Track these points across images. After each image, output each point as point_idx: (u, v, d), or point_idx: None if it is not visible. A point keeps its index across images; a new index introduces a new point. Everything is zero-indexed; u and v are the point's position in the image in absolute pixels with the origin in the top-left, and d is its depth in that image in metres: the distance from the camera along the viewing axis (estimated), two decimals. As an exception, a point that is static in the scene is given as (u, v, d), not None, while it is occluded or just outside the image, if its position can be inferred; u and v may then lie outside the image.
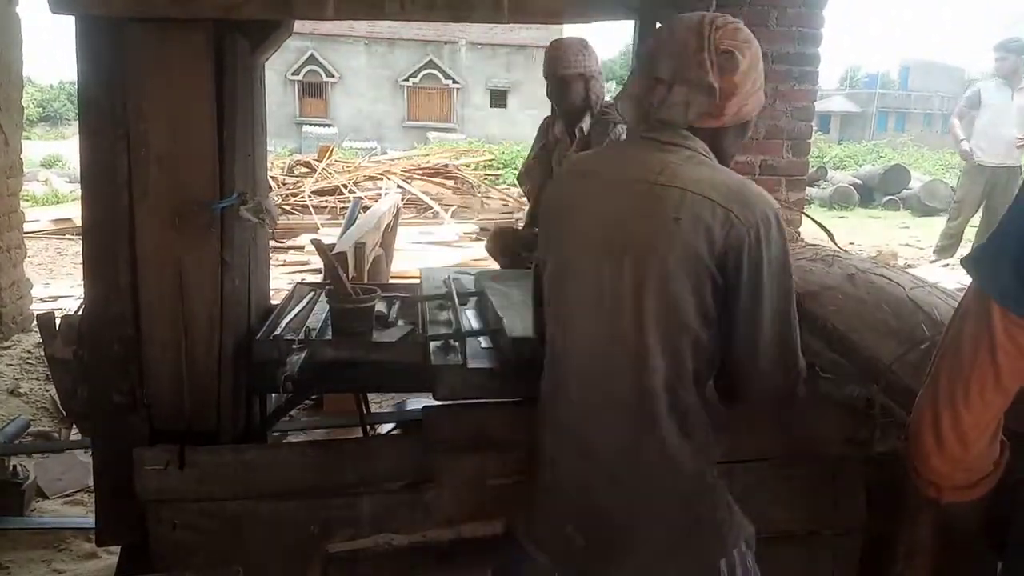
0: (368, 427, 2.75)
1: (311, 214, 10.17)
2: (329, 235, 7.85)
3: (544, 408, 1.43)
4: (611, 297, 1.27)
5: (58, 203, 11.44)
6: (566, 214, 1.38)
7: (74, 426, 3.68)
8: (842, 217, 12.84)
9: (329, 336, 2.15)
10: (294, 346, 2.00)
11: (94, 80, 1.94)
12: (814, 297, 1.66)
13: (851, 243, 8.64)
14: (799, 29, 3.87)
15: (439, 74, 25.47)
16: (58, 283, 6.83)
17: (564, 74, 2.91)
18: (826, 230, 2.13)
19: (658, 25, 1.37)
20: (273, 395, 2.43)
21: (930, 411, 0.86)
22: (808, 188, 14.47)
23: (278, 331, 2.16)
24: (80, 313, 2.15)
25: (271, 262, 8.12)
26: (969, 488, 0.91)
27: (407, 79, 25.39)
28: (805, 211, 2.80)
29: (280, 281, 7.00)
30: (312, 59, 24.66)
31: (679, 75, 1.27)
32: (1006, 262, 0.79)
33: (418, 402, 3.07)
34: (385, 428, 3.09)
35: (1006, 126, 6.74)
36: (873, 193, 14.45)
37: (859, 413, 1.48)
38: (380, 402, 3.94)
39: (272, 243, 8.15)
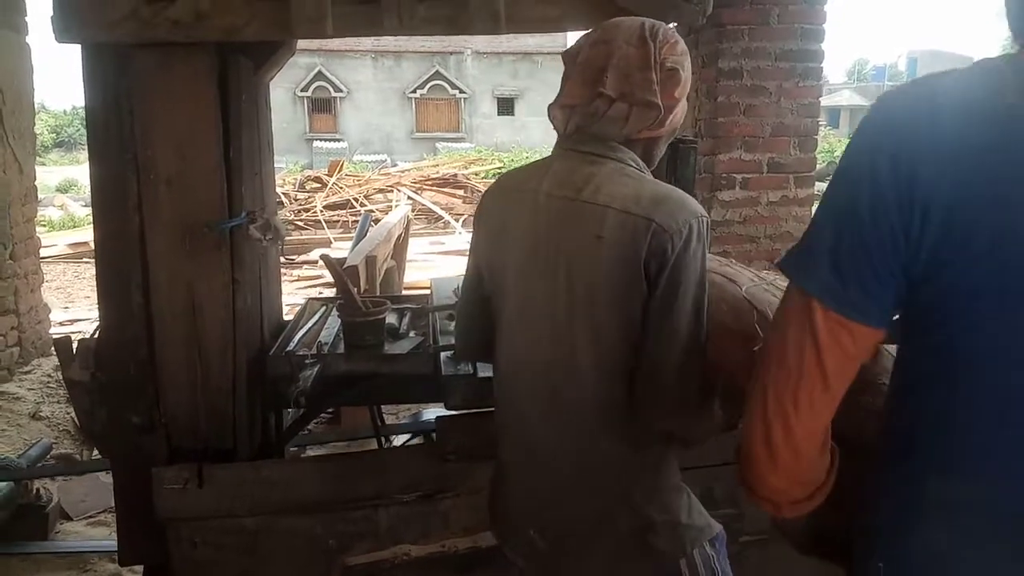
0: (384, 439, 2.76)
1: (323, 229, 10.24)
2: (341, 249, 7.91)
3: (497, 417, 1.45)
4: (546, 314, 1.28)
5: (74, 227, 11.58)
6: (499, 231, 1.37)
7: (95, 448, 3.72)
8: (855, 211, 12.75)
9: (341, 350, 2.16)
10: (306, 361, 2.02)
11: (101, 106, 1.98)
12: None
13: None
14: (801, 26, 3.87)
15: (446, 85, 25.59)
16: (76, 306, 6.92)
17: None
18: None
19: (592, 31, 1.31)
20: (289, 410, 2.45)
21: (760, 425, 0.81)
22: (819, 183, 14.42)
23: (291, 347, 2.18)
24: (96, 336, 2.18)
25: (285, 278, 8.19)
26: (806, 500, 0.87)
27: (414, 91, 25.52)
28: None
29: (294, 296, 7.06)
30: (320, 75, 24.85)
31: (625, 94, 1.25)
32: (823, 258, 0.76)
33: (433, 412, 3.08)
34: (401, 439, 3.10)
35: None
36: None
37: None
38: (396, 413, 3.96)
39: (285, 259, 8.22)
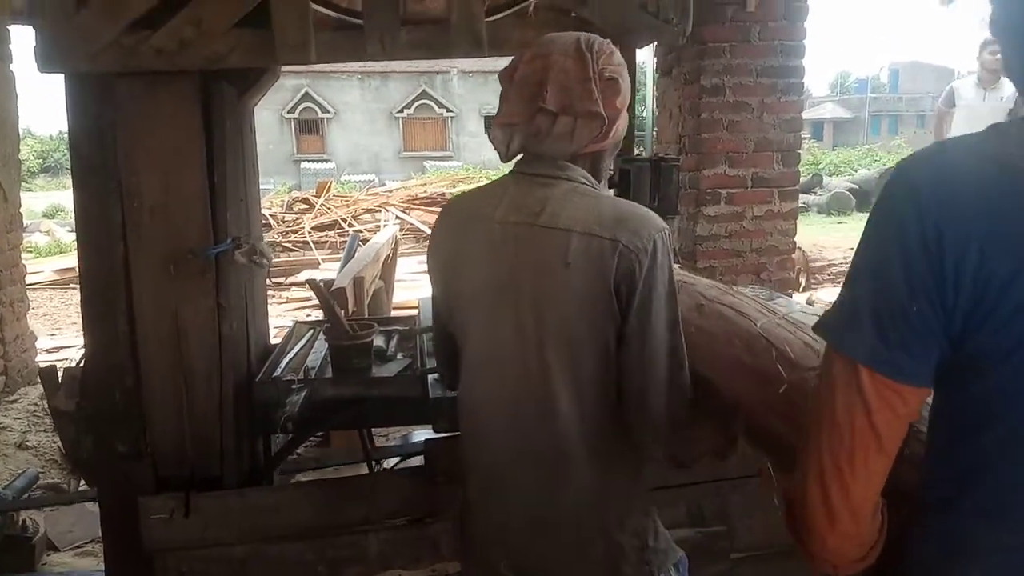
0: (374, 462, 2.74)
1: (311, 250, 10.22)
2: (329, 270, 7.89)
3: (464, 455, 1.42)
4: (514, 348, 1.25)
5: (61, 253, 11.51)
6: (455, 264, 1.33)
7: (82, 477, 3.68)
8: (841, 222, 12.88)
9: (329, 374, 2.16)
10: (293, 386, 2.01)
11: (85, 134, 1.98)
12: None
13: (851, 249, 8.62)
14: (781, 42, 3.91)
15: (433, 104, 25.69)
16: (63, 333, 6.86)
17: None
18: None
19: (533, 50, 1.28)
20: (278, 435, 2.43)
21: (818, 488, 0.83)
22: (805, 196, 14.51)
23: (278, 372, 2.17)
24: (82, 364, 2.17)
25: (273, 300, 8.12)
26: (863, 560, 0.89)
27: (401, 110, 25.60)
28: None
29: (283, 319, 7.03)
30: (307, 96, 24.90)
31: (567, 107, 1.22)
32: (865, 323, 0.78)
33: (424, 434, 3.07)
34: (391, 462, 3.08)
35: (980, 124, 6.73)
36: (870, 197, 14.48)
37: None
38: (387, 435, 3.93)
39: (272, 282, 8.19)
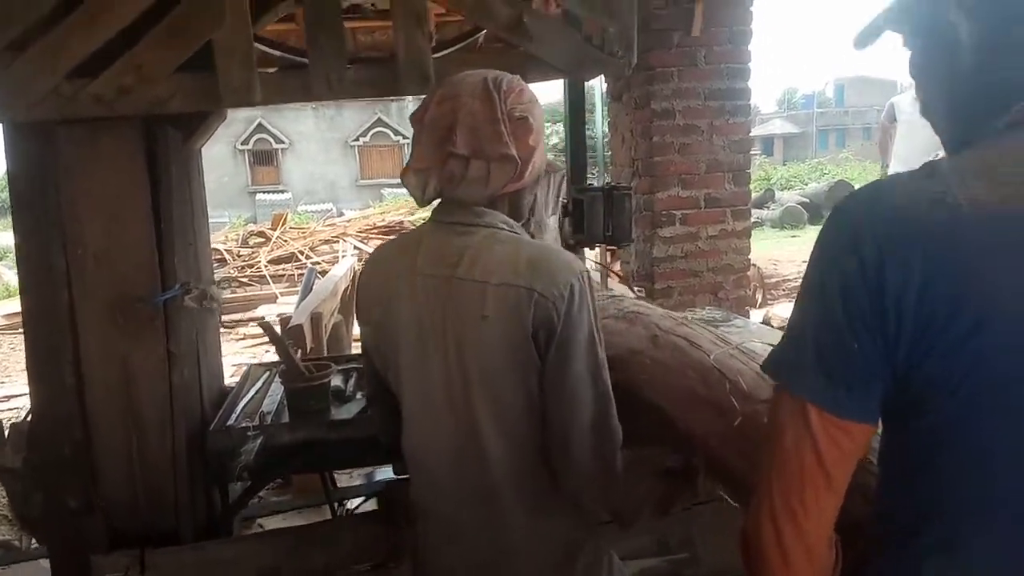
0: (336, 504, 2.69)
1: (268, 284, 10.09)
2: (287, 303, 7.79)
3: (413, 496, 1.40)
4: (444, 398, 1.24)
5: (9, 297, 11.20)
6: (383, 316, 1.32)
7: (32, 535, 3.55)
8: (794, 236, 13.12)
9: (285, 418, 2.11)
10: (249, 433, 1.97)
11: (25, 181, 1.94)
12: (623, 363, 1.51)
13: (805, 262, 8.77)
14: (727, 65, 3.99)
15: (388, 131, 25.67)
16: (13, 381, 6.65)
17: None
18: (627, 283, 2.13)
19: (437, 91, 1.26)
20: (237, 483, 2.37)
21: (771, 529, 0.82)
22: (758, 211, 14.77)
23: (232, 418, 2.12)
24: (28, 418, 2.10)
25: (230, 336, 7.96)
26: None
27: (357, 139, 25.52)
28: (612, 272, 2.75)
29: (241, 356, 6.91)
30: (261, 127, 24.70)
31: (477, 150, 1.20)
32: (809, 362, 0.79)
33: (387, 472, 3.02)
34: (355, 502, 3.02)
35: (918, 137, 6.94)
36: (821, 210, 14.81)
37: (677, 480, 1.35)
38: (351, 473, 3.87)
39: (230, 318, 8.05)
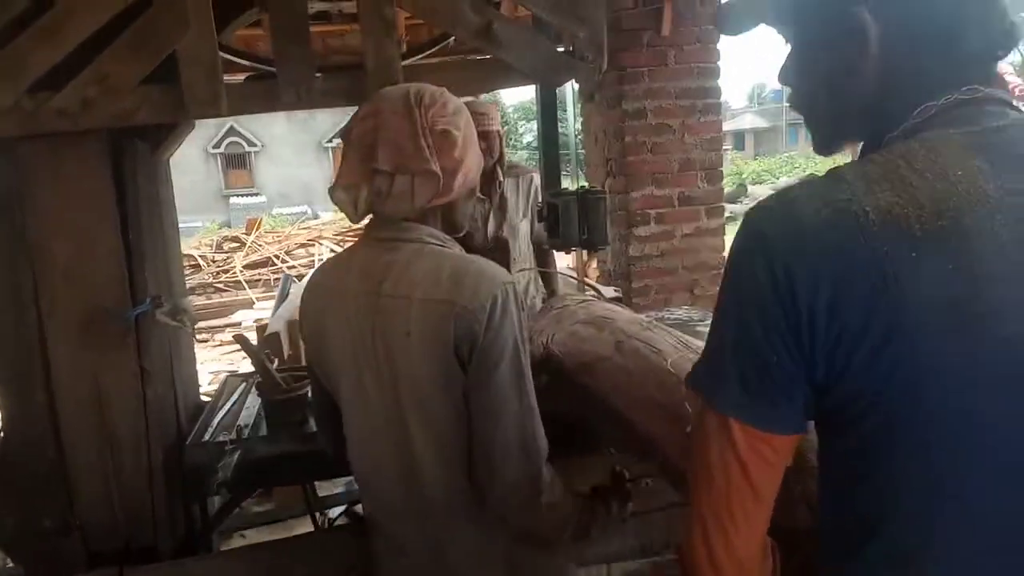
0: (318, 514, 2.67)
1: (244, 289, 10.00)
2: (264, 309, 7.73)
3: (364, 510, 1.42)
4: (379, 415, 1.25)
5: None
6: (320, 335, 1.33)
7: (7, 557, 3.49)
8: (769, 230, 13.20)
9: (263, 431, 2.09)
10: (226, 447, 1.94)
11: (-11, 198, 1.89)
12: (589, 369, 1.50)
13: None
14: (697, 65, 4.02)
15: (362, 132, 25.53)
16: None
17: (488, 130, 2.76)
18: (596, 289, 2.15)
19: (366, 106, 1.26)
20: (216, 496, 2.35)
21: (703, 547, 0.82)
22: (731, 205, 14.89)
23: (209, 432, 2.10)
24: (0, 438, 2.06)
25: (207, 345, 7.87)
26: None
27: (331, 140, 25.37)
28: (586, 279, 2.78)
29: (218, 363, 6.85)
30: (232, 131, 24.49)
31: (400, 166, 1.20)
32: (729, 376, 0.78)
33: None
34: (337, 511, 3.01)
35: None
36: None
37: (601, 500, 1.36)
38: (333, 480, 3.84)
39: (206, 326, 7.97)
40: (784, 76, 0.91)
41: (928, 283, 0.70)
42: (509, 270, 2.60)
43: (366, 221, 1.31)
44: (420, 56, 2.22)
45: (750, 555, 0.83)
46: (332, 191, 1.28)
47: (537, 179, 3.07)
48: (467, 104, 1.34)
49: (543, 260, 3.10)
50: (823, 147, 0.92)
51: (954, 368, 0.70)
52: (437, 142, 1.22)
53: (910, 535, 0.76)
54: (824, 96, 0.87)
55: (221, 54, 1.82)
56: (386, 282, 1.21)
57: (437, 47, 2.32)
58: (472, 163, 1.28)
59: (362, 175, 1.23)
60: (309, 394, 2.16)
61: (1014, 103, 0.79)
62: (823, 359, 0.74)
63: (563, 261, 5.43)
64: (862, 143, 0.86)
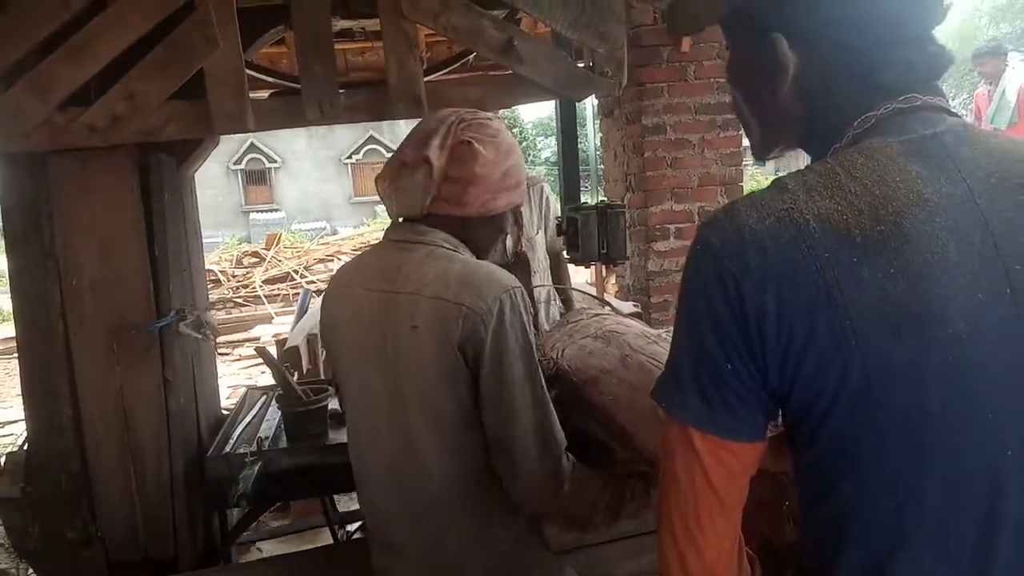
0: (336, 528, 2.67)
1: (264, 304, 10.07)
2: (283, 323, 7.77)
3: (361, 511, 1.44)
4: (384, 410, 1.28)
5: (3, 321, 11.14)
6: (332, 334, 1.38)
7: (30, 566, 3.52)
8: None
9: (283, 443, 2.10)
10: (247, 459, 1.95)
11: (18, 211, 1.93)
12: (595, 384, 1.52)
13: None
14: (717, 80, 4.02)
15: (381, 148, 25.69)
16: (8, 405, 6.61)
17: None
18: (610, 305, 2.15)
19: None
20: (235, 508, 2.36)
21: (674, 553, 0.83)
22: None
23: (230, 445, 2.11)
24: (24, 448, 2.08)
25: (226, 359, 7.92)
26: None
27: (350, 156, 25.56)
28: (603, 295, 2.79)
29: (237, 377, 6.89)
30: (253, 147, 24.72)
31: (418, 159, 1.28)
32: (688, 386, 0.80)
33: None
34: (355, 525, 3.00)
35: None
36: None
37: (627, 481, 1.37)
38: (351, 495, 3.84)
39: (226, 340, 8.03)
40: (727, 77, 0.93)
41: (870, 287, 0.70)
42: (531, 283, 2.60)
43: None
44: (442, 72, 2.25)
45: (720, 564, 0.83)
46: (376, 180, 1.37)
47: (547, 189, 3.09)
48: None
49: (557, 268, 3.12)
50: (756, 152, 0.94)
51: (902, 370, 0.71)
52: (457, 149, 1.28)
53: (878, 543, 0.76)
54: (753, 106, 0.89)
55: (246, 71, 1.86)
56: (398, 279, 1.26)
57: (458, 63, 2.34)
58: (502, 194, 1.32)
59: (392, 169, 1.32)
60: (329, 407, 2.18)
61: (952, 110, 0.81)
62: (775, 367, 0.75)
63: (582, 276, 5.43)
64: (810, 154, 0.87)
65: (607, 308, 2.37)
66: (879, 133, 0.79)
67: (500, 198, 1.32)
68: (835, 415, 0.74)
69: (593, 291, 4.37)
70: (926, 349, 0.70)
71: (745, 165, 4.88)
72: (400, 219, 1.35)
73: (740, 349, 0.76)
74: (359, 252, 11.25)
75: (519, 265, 2.90)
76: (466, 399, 1.23)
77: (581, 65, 2.05)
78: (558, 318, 2.75)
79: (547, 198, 3.06)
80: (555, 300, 3.08)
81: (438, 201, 1.29)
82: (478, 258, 1.36)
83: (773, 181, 0.79)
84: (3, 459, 2.22)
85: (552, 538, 1.41)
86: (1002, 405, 0.71)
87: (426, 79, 1.95)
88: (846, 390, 0.72)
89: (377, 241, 1.39)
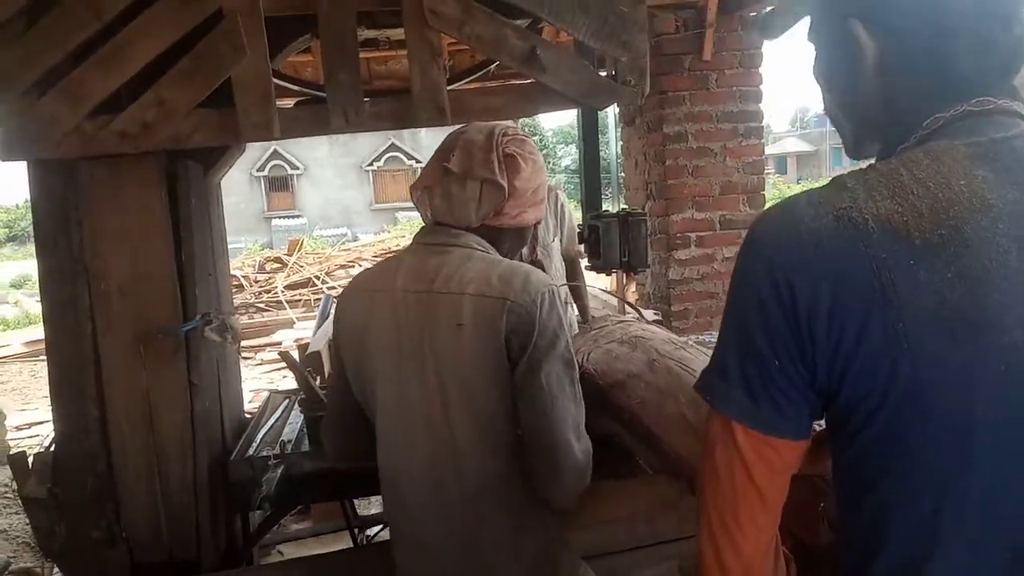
0: (356, 531, 2.69)
1: (285, 309, 10.15)
2: (304, 328, 7.83)
3: (388, 517, 1.44)
4: (421, 410, 1.29)
5: (29, 324, 11.31)
6: (361, 335, 1.37)
7: (56, 566, 3.56)
8: (810, 255, 13.01)
9: (305, 447, 2.12)
10: (270, 462, 1.98)
11: (48, 216, 1.97)
12: (621, 387, 1.54)
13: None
14: (739, 88, 4.02)
15: (402, 156, 25.87)
16: (34, 407, 6.71)
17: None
18: (636, 308, 2.14)
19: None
20: (257, 511, 2.38)
21: (710, 549, 0.82)
22: (774, 230, 14.77)
23: (253, 447, 2.14)
24: (52, 449, 2.12)
25: (249, 363, 7.99)
26: None
27: (371, 163, 25.74)
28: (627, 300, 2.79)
29: (259, 381, 6.94)
30: (276, 154, 24.98)
31: (469, 171, 1.32)
32: (734, 381, 0.79)
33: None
34: (375, 529, 3.02)
35: None
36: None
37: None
38: (371, 498, 3.86)
39: (248, 344, 8.10)
40: (814, 76, 0.93)
41: (926, 291, 0.70)
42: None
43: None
44: (465, 80, 2.26)
45: (757, 559, 0.83)
46: (413, 189, 1.39)
47: (563, 195, 3.11)
48: None
49: (573, 274, 3.13)
50: (850, 150, 0.93)
51: (953, 376, 0.70)
52: (504, 161, 1.33)
53: (916, 544, 0.76)
54: (838, 100, 0.89)
55: (273, 79, 1.88)
56: (438, 280, 1.29)
57: (481, 72, 2.36)
58: (531, 208, 1.39)
59: (434, 176, 1.35)
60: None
61: None
62: (824, 365, 0.75)
63: (602, 283, 5.42)
64: (877, 154, 0.87)
65: (631, 313, 2.37)
66: (946, 135, 0.78)
67: (530, 212, 1.39)
68: (882, 415, 0.74)
69: (613, 300, 4.37)
70: (981, 355, 0.70)
71: (767, 173, 4.86)
72: (434, 224, 1.37)
73: (790, 348, 0.75)
74: (378, 258, 11.31)
75: (538, 272, 2.92)
76: (507, 393, 1.26)
77: (603, 74, 2.06)
78: (574, 323, 2.75)
79: (562, 204, 3.08)
80: (571, 304, 3.09)
81: (487, 214, 1.34)
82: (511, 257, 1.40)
83: (832, 179, 0.79)
84: (31, 460, 2.25)
85: (574, 544, 1.42)
86: None
87: (449, 88, 1.97)
88: (895, 391, 0.72)
89: (400, 248, 1.41)
